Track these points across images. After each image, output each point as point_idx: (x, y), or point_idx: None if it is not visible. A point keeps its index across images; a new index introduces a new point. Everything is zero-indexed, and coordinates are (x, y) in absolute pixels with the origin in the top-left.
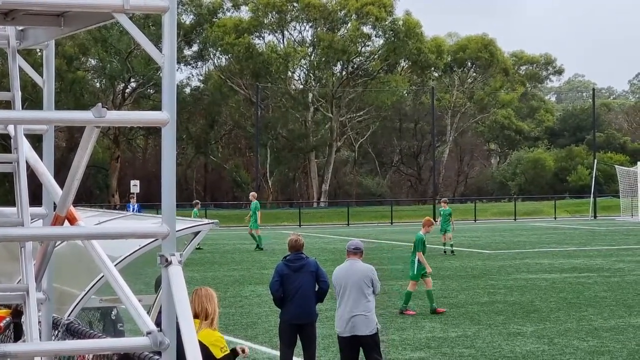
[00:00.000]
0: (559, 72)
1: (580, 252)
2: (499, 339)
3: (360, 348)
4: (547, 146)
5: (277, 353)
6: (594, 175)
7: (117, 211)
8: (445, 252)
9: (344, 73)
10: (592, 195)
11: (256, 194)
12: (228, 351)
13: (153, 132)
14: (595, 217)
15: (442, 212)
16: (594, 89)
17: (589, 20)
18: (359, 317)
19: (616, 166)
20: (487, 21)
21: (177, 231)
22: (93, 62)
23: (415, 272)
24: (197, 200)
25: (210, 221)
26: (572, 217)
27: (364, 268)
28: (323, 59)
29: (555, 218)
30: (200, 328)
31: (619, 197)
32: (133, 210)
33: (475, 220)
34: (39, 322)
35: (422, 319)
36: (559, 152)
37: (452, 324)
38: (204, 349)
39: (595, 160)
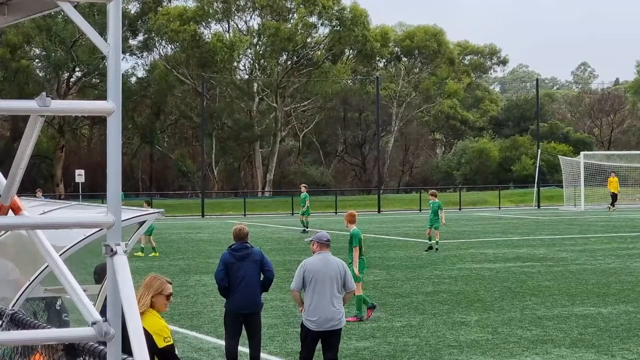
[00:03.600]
0: (504, 62)
1: (523, 242)
2: (443, 328)
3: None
4: (492, 136)
5: (223, 343)
6: (537, 165)
7: (62, 201)
8: (431, 247)
9: (289, 63)
10: (535, 185)
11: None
12: (171, 341)
13: (98, 122)
14: (539, 206)
15: (430, 205)
16: (537, 80)
17: (533, 11)
18: (337, 312)
19: (559, 156)
20: (430, 10)
21: (122, 221)
22: (37, 51)
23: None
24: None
25: (156, 210)
26: (516, 206)
27: (339, 262)
28: (268, 48)
29: (499, 208)
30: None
31: (562, 187)
32: None
33: (420, 210)
34: None
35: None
36: (504, 142)
37: (397, 313)
38: (148, 338)
39: (539, 150)
